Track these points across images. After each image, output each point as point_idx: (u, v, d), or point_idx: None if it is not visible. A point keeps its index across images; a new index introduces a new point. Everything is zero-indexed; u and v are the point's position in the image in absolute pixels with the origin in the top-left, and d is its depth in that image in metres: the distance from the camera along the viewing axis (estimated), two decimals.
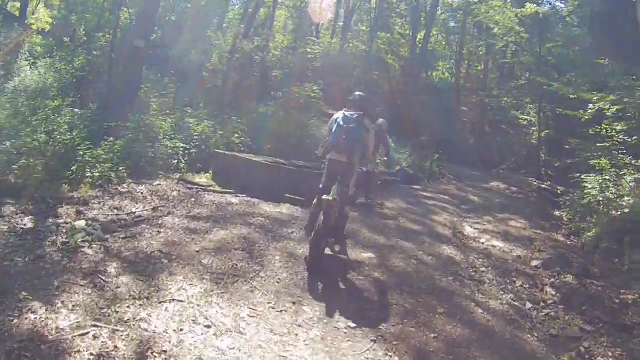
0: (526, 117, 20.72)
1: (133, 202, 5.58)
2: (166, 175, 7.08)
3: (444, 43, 29.05)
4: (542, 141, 18.20)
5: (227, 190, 6.73)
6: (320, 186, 4.46)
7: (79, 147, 6.11)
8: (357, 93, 4.76)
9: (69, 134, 6.80)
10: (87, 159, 6.01)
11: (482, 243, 6.24)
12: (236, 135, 9.38)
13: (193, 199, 6.04)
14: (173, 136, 8.10)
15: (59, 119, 6.87)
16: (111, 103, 8.83)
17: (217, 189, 6.86)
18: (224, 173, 7.35)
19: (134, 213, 5.13)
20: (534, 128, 19.67)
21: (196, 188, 6.60)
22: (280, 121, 11.29)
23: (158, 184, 6.51)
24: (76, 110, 8.49)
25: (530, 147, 19.30)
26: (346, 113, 4.45)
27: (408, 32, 25.51)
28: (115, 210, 5.17)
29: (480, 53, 25.73)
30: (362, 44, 24.67)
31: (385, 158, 8.16)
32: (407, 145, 16.70)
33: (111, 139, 7.07)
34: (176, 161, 7.60)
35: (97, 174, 5.89)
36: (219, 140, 8.83)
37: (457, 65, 26.84)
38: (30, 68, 11.68)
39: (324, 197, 4.06)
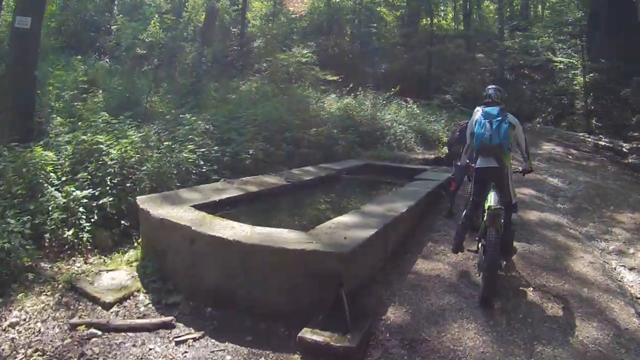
0: (563, 60, 16.73)
1: None
2: (44, 276, 3.39)
3: None
4: (588, 87, 14.85)
5: (162, 320, 2.88)
6: (471, 198, 3.78)
7: None
8: (490, 86, 4.01)
9: None
10: None
11: None
12: (190, 145, 5.55)
13: None
14: (71, 177, 4.35)
15: None
16: None
17: (139, 317, 3.00)
18: (161, 254, 3.51)
19: None
20: (573, 71, 16.01)
21: (86, 328, 2.77)
22: (267, 103, 7.66)
23: (4, 327, 2.81)
24: None
25: (571, 95, 15.69)
26: (485, 109, 3.66)
27: None
28: None
29: None
30: None
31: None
32: (432, 110, 13.11)
33: None
34: (72, 231, 3.88)
35: None
36: (158, 163, 4.91)
37: (463, 8, 22.62)
38: None
39: (487, 205, 3.39)
